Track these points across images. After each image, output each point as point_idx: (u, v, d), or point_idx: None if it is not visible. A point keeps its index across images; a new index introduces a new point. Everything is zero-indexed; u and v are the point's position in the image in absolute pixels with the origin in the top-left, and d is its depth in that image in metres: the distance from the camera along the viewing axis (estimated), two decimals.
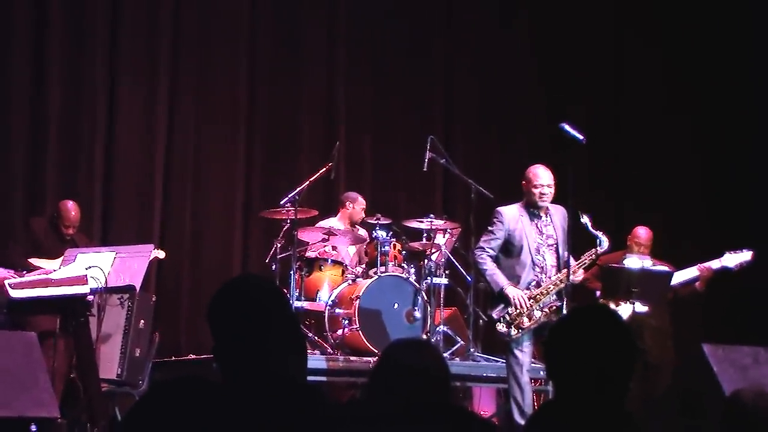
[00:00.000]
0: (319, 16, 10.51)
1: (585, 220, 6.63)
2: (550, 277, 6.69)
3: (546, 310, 6.63)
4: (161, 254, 8.38)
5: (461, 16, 10.99)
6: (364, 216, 8.97)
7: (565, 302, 6.61)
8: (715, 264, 8.00)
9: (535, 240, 6.72)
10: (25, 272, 6.71)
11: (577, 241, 6.72)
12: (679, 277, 7.94)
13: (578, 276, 6.73)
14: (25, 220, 8.71)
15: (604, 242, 6.75)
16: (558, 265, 6.73)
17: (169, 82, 9.76)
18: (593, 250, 6.77)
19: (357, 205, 9.02)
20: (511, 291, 6.62)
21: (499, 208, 6.85)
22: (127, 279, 6.55)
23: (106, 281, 6.35)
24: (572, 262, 6.65)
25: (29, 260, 7.44)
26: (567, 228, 6.72)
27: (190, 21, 9.91)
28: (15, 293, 6.21)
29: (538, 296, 6.63)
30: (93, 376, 6.44)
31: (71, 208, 8.03)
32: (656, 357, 8.08)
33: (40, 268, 6.95)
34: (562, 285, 6.61)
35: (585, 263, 6.82)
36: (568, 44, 10.91)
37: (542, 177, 6.71)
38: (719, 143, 10.47)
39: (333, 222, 8.92)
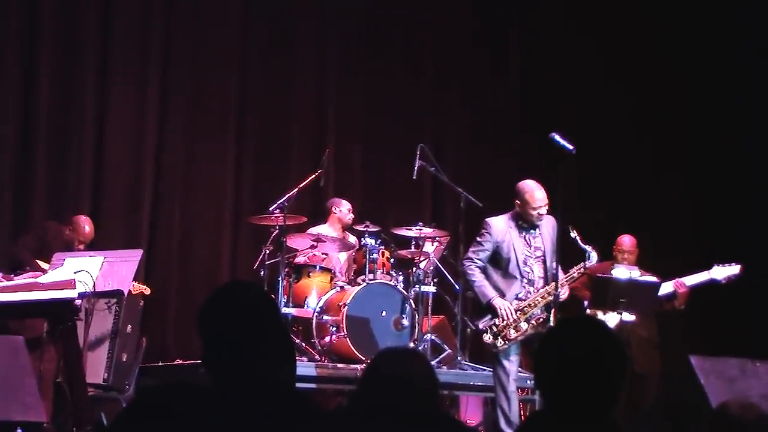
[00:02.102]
0: (310, 25, 10.51)
1: (574, 234, 6.64)
2: (537, 290, 6.69)
3: (533, 322, 6.63)
4: (147, 290, 8.36)
5: (452, 26, 11.00)
6: (352, 217, 9.01)
7: (552, 314, 6.59)
8: (702, 277, 8.02)
9: (522, 252, 6.72)
10: (13, 275, 6.70)
11: (567, 254, 6.72)
12: (660, 290, 7.95)
13: (564, 293, 6.70)
14: (13, 226, 8.70)
15: (593, 256, 6.74)
16: (545, 276, 6.73)
17: (160, 87, 9.75)
18: (582, 264, 6.76)
19: (343, 207, 9.07)
20: (498, 302, 6.62)
21: (487, 219, 6.84)
22: (115, 284, 6.55)
23: (94, 286, 6.34)
24: (561, 275, 6.64)
25: (36, 261, 7.43)
26: (556, 238, 6.72)
27: (181, 26, 9.91)
28: (2, 297, 6.18)
29: (525, 308, 6.63)
30: (80, 380, 6.43)
31: (85, 223, 8.04)
32: (642, 367, 8.11)
33: (44, 270, 6.92)
34: (550, 298, 6.61)
35: (573, 277, 6.81)
36: (558, 54, 10.93)
37: (539, 199, 6.67)
38: (708, 155, 10.49)
39: (323, 229, 8.94)
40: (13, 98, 9.13)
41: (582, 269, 6.78)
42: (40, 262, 7.40)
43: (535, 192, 6.70)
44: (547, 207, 6.71)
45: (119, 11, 9.61)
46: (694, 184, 10.52)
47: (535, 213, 6.68)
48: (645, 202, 10.58)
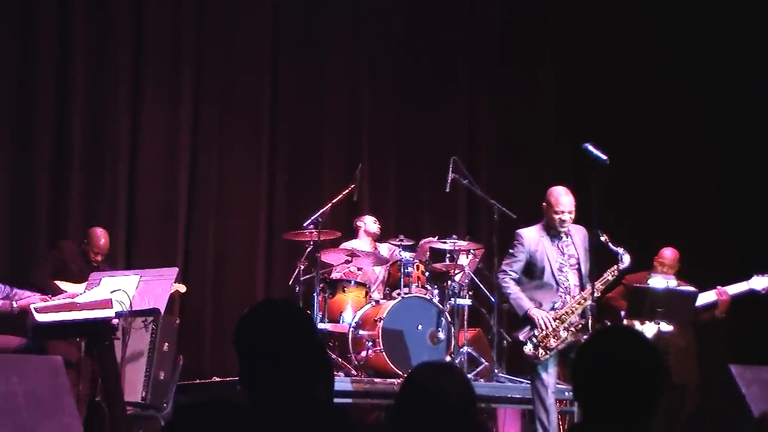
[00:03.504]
0: (341, 41, 10.54)
1: (604, 238, 6.60)
2: (573, 297, 6.66)
3: (572, 329, 6.59)
4: (182, 288, 8.40)
5: (485, 40, 10.99)
6: (379, 227, 9.08)
7: (589, 320, 6.56)
8: (741, 287, 7.95)
9: (556, 260, 6.69)
10: (50, 296, 6.74)
11: (599, 259, 6.68)
12: (700, 300, 7.88)
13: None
14: (49, 244, 8.76)
15: (626, 258, 6.71)
16: (581, 284, 6.70)
17: (192, 106, 9.81)
18: (614, 266, 6.73)
19: (367, 219, 9.18)
20: (536, 312, 6.59)
21: (519, 231, 6.82)
22: (152, 302, 6.58)
23: (130, 304, 6.37)
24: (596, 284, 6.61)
25: (55, 282, 7.48)
26: (588, 247, 6.69)
27: (213, 45, 9.97)
28: (40, 317, 6.23)
29: (563, 316, 6.60)
30: (118, 399, 6.45)
31: (100, 235, 8.12)
32: (681, 377, 8.04)
33: (64, 291, 6.98)
34: (586, 303, 6.59)
35: (607, 280, 6.76)
36: (590, 65, 10.90)
37: (564, 204, 6.65)
38: (745, 164, 10.39)
39: (356, 243, 8.94)
40: (47, 120, 9.21)
41: (615, 272, 6.74)
42: (61, 283, 7.45)
43: (561, 197, 6.67)
44: (571, 216, 6.66)
45: (151, 34, 9.68)
46: (732, 193, 10.42)
47: (557, 218, 6.65)
48: (681, 212, 10.51)
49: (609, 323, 7.43)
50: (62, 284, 7.44)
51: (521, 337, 6.62)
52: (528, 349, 6.58)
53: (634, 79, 11.02)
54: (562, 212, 6.64)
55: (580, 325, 6.60)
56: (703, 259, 9.35)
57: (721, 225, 10.38)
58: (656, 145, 10.94)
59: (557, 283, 6.67)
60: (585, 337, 6.45)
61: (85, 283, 6.95)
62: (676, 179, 10.67)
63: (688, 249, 8.77)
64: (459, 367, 6.92)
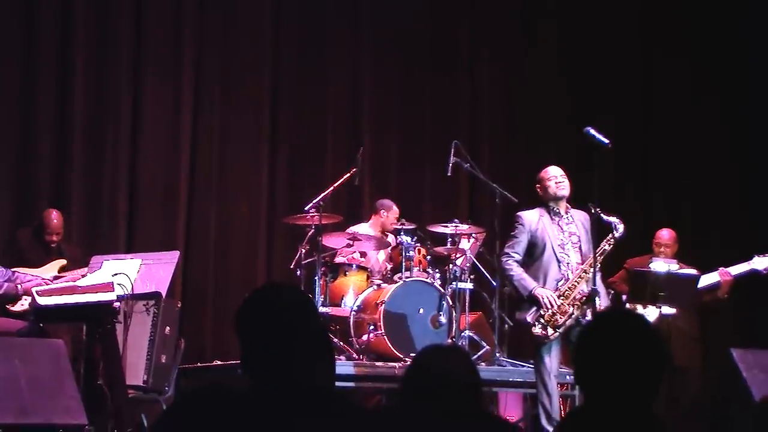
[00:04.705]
0: (344, 23, 10.51)
1: (596, 210, 6.61)
2: (575, 272, 6.68)
3: (577, 302, 6.60)
4: None
5: (487, 22, 10.96)
6: (395, 225, 8.97)
7: (593, 289, 6.53)
8: (743, 267, 7.94)
9: (557, 237, 6.72)
10: (52, 279, 6.76)
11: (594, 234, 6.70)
12: (702, 281, 7.87)
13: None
14: None
15: (620, 227, 6.71)
16: (582, 262, 6.72)
17: (193, 88, 9.79)
18: (610, 236, 6.73)
19: (391, 213, 9.00)
20: (540, 291, 6.61)
21: (519, 213, 6.89)
22: (153, 286, 6.59)
23: (132, 288, 6.38)
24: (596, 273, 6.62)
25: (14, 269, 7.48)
26: (590, 231, 6.69)
27: (213, 26, 9.94)
28: (42, 300, 6.24)
29: (567, 292, 6.61)
30: (120, 382, 6.46)
31: (54, 216, 8.17)
32: (683, 360, 8.03)
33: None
34: (588, 276, 6.60)
35: (605, 250, 6.75)
36: (594, 48, 10.86)
37: (552, 170, 6.82)
38: (749, 145, 10.36)
39: (362, 228, 8.92)
40: (48, 103, 9.21)
41: (611, 240, 6.74)
42: (20, 270, 7.44)
43: (548, 168, 6.85)
44: (565, 178, 6.75)
45: (152, 14, 9.66)
46: (739, 173, 10.38)
47: (552, 183, 6.76)
48: (687, 192, 10.49)
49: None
50: (21, 270, 7.43)
51: (528, 318, 6.62)
52: (537, 330, 6.59)
53: (639, 68, 10.99)
54: (555, 177, 6.77)
55: (584, 298, 6.60)
56: (706, 240, 9.36)
57: (724, 204, 10.33)
58: (660, 133, 10.89)
59: (559, 261, 6.70)
60: (589, 310, 6.48)
61: (45, 267, 7.04)
62: (681, 163, 10.65)
63: (692, 230, 8.76)
64: (464, 350, 6.91)
